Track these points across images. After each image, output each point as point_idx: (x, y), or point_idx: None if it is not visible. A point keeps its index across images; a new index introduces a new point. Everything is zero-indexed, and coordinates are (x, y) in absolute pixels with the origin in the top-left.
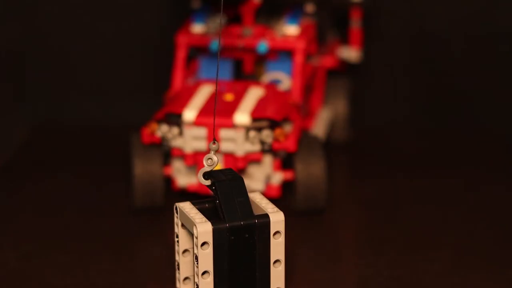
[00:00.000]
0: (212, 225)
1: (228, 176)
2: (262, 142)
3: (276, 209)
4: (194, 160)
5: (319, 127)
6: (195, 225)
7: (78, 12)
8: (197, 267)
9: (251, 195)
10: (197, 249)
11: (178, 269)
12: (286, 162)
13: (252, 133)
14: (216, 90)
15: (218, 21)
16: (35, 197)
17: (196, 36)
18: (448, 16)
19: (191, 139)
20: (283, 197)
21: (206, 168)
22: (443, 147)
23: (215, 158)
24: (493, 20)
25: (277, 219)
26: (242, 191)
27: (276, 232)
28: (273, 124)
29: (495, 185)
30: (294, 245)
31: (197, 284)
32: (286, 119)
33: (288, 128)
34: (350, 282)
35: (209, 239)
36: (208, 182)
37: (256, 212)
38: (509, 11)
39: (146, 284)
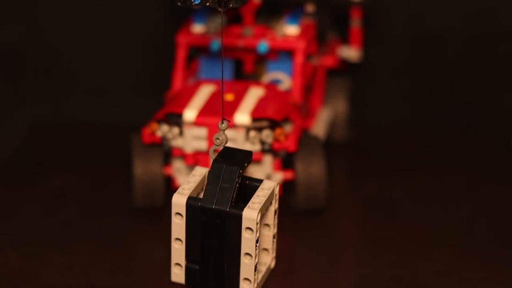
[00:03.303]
0: (187, 200)
1: (232, 159)
2: (262, 142)
3: (257, 206)
4: (194, 160)
5: (319, 127)
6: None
7: (78, 12)
8: (171, 232)
9: (266, 182)
10: (172, 216)
11: None
12: (286, 162)
13: (252, 133)
14: (222, 84)
15: (218, 21)
16: (35, 197)
17: (196, 36)
18: (448, 16)
19: (191, 139)
20: (283, 197)
21: (215, 147)
22: (443, 146)
23: (223, 136)
24: (493, 20)
25: (248, 216)
26: (231, 178)
27: (248, 228)
28: (273, 124)
29: (495, 184)
30: (294, 245)
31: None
32: (286, 119)
33: (288, 128)
34: (350, 282)
35: (183, 211)
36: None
37: (242, 201)
38: (509, 11)
39: (146, 284)
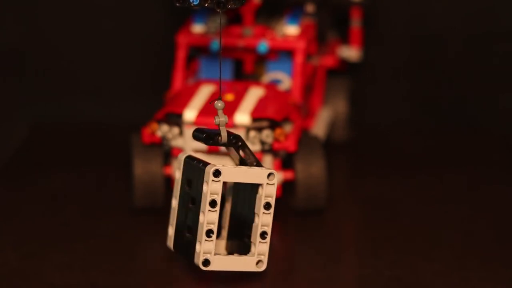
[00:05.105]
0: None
1: (230, 133)
2: (262, 142)
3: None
4: None
5: (319, 127)
6: (271, 173)
7: (78, 12)
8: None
9: (195, 154)
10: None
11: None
12: (286, 162)
13: (252, 133)
14: (220, 84)
15: (218, 21)
16: (35, 197)
17: (196, 36)
18: (448, 16)
19: (192, 139)
20: (283, 197)
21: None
22: (443, 147)
23: (223, 116)
24: (493, 20)
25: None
26: (245, 143)
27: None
28: (273, 124)
29: (495, 184)
30: (294, 245)
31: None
32: (286, 119)
33: (288, 128)
34: (350, 282)
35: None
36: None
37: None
38: (509, 11)
39: (146, 284)
